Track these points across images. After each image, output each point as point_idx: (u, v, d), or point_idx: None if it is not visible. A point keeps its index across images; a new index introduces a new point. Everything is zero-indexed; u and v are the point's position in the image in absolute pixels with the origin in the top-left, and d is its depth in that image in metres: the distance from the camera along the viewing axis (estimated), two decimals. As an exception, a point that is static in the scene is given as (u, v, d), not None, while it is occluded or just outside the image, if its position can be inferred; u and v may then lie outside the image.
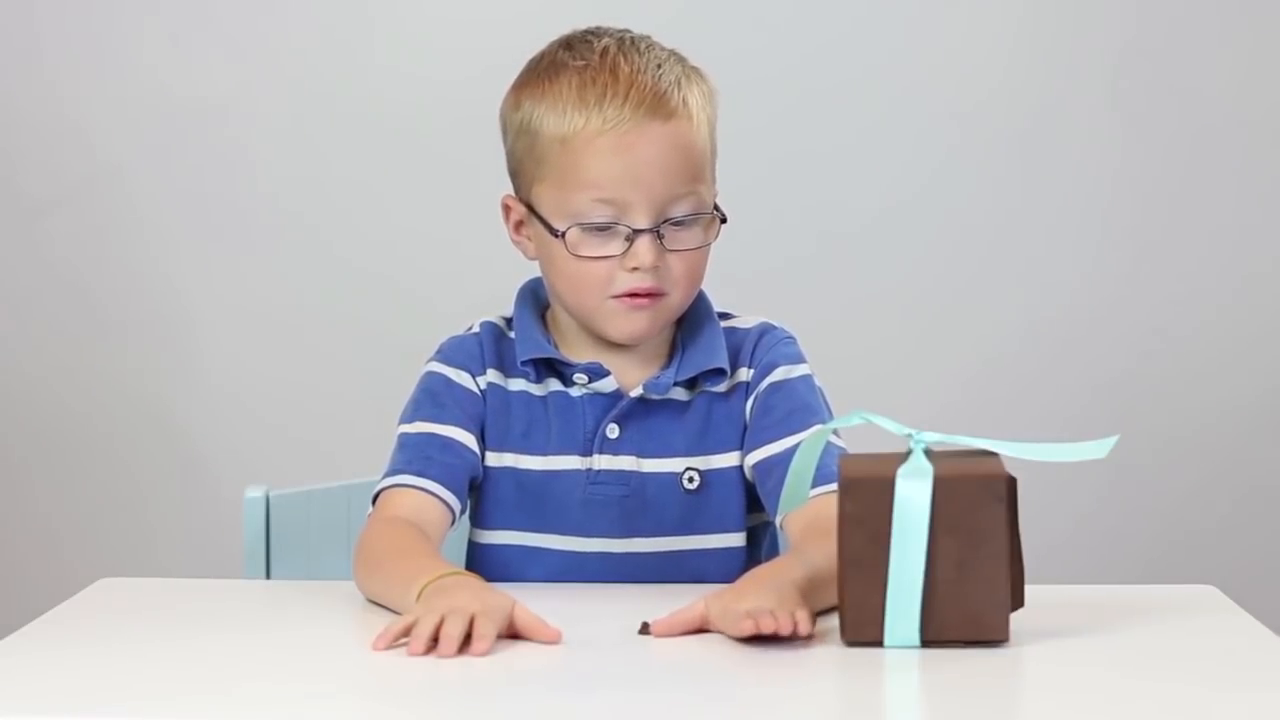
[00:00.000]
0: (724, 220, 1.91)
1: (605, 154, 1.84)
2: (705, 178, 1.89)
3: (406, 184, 3.24)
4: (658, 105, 1.86)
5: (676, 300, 1.89)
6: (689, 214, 1.87)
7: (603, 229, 1.86)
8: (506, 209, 1.94)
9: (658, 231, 1.85)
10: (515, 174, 1.93)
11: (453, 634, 1.59)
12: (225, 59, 3.24)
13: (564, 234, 1.86)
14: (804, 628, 1.61)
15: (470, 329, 1.98)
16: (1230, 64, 3.23)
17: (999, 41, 3.23)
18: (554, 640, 1.63)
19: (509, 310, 1.97)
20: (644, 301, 1.87)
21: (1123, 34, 3.22)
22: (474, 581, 1.70)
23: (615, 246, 1.86)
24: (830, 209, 3.25)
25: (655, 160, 1.85)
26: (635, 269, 1.85)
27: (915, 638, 1.60)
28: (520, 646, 1.64)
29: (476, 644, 1.59)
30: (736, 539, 1.94)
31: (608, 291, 1.87)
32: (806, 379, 1.94)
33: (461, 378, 1.94)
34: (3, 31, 3.25)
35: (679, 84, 1.88)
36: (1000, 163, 3.24)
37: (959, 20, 3.23)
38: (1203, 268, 3.25)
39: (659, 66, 1.88)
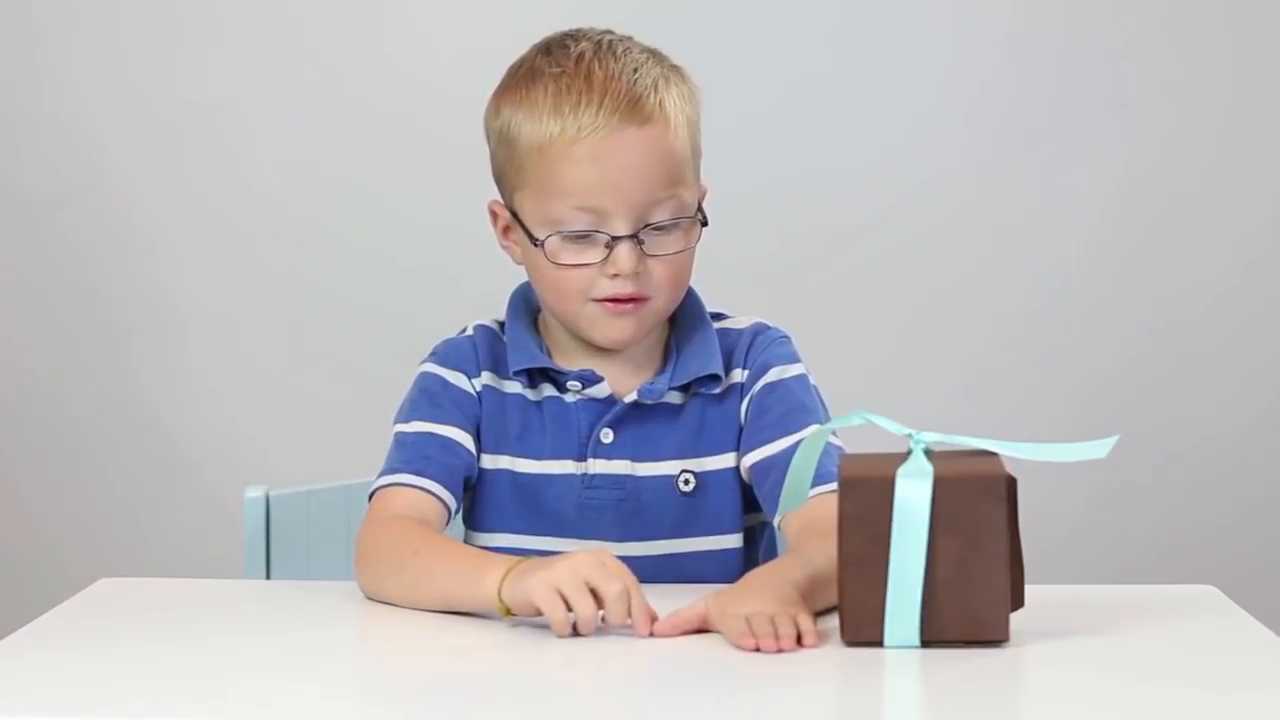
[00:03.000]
0: (705, 223, 1.89)
1: (581, 162, 1.84)
2: (685, 180, 1.88)
3: (404, 184, 3.24)
4: (633, 111, 1.84)
5: (661, 304, 1.89)
6: (669, 219, 1.86)
7: (582, 237, 1.85)
8: (493, 214, 1.94)
9: (637, 237, 1.85)
10: (499, 180, 1.93)
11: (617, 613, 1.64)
12: (222, 61, 3.24)
13: (543, 242, 1.86)
14: (809, 639, 1.61)
15: (464, 331, 1.98)
16: (1230, 64, 3.23)
17: (999, 41, 3.23)
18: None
19: (503, 313, 1.97)
20: (627, 307, 1.86)
21: (1123, 34, 3.22)
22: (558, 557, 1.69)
23: (595, 254, 1.85)
24: (830, 208, 3.25)
25: (632, 167, 1.84)
26: (616, 275, 1.85)
27: (915, 638, 1.60)
28: (520, 647, 1.64)
29: (643, 623, 1.64)
30: (733, 540, 1.93)
31: (588, 295, 1.86)
32: (801, 379, 1.94)
33: (457, 379, 1.94)
34: (1, 32, 3.25)
35: (655, 87, 1.86)
36: (1000, 162, 3.24)
37: (958, 19, 3.23)
38: (1203, 268, 3.25)
39: (635, 70, 1.86)
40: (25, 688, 1.53)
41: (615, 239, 1.84)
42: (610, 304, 1.86)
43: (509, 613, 1.69)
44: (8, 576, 3.27)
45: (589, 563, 1.65)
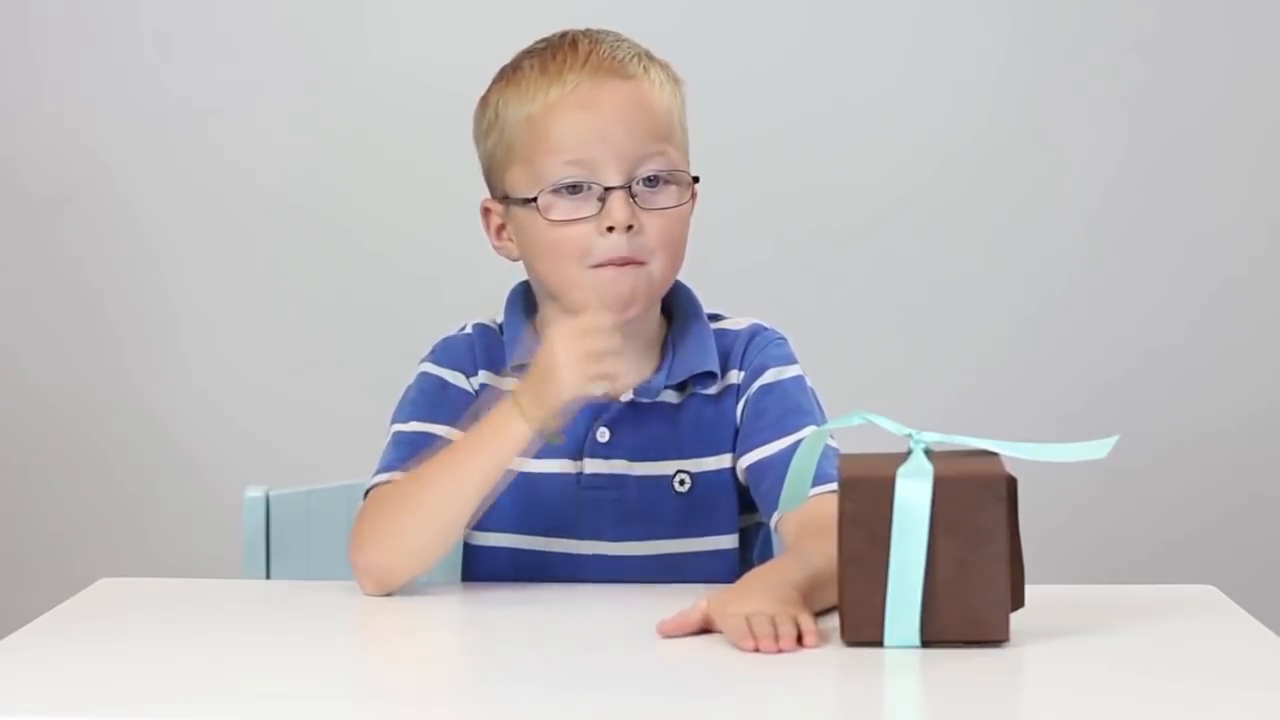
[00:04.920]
0: (696, 179, 1.90)
1: (569, 113, 1.86)
2: (674, 141, 1.89)
3: (403, 184, 3.24)
4: (617, 68, 1.88)
5: (658, 270, 1.88)
6: (660, 171, 1.87)
7: (574, 189, 1.86)
8: (486, 213, 1.95)
9: (630, 190, 1.86)
10: (489, 173, 1.94)
11: None
12: (221, 61, 3.24)
13: (536, 200, 1.86)
14: (810, 639, 1.61)
15: (462, 329, 1.98)
16: (1230, 64, 3.23)
17: (1000, 42, 3.23)
18: None
19: (501, 313, 1.98)
20: (625, 269, 1.86)
21: (1124, 34, 3.22)
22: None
23: (589, 208, 1.86)
24: (830, 208, 3.25)
25: (619, 115, 1.86)
26: (611, 228, 1.85)
27: (915, 638, 1.60)
28: (520, 646, 1.64)
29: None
30: (729, 541, 1.93)
31: (586, 261, 1.86)
32: (798, 380, 1.94)
33: (456, 378, 1.94)
34: (1, 32, 3.25)
35: (639, 58, 1.90)
36: (1000, 162, 3.24)
37: (958, 19, 3.23)
38: (1203, 268, 3.25)
39: (618, 42, 1.91)
40: (25, 687, 1.53)
41: (608, 190, 1.85)
42: (608, 268, 1.86)
43: (555, 435, 1.77)
44: (8, 576, 3.27)
45: (577, 342, 1.76)
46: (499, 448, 1.78)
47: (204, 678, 1.56)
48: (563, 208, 1.86)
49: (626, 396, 1.91)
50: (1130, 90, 3.23)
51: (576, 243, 1.86)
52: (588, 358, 1.75)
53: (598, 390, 1.75)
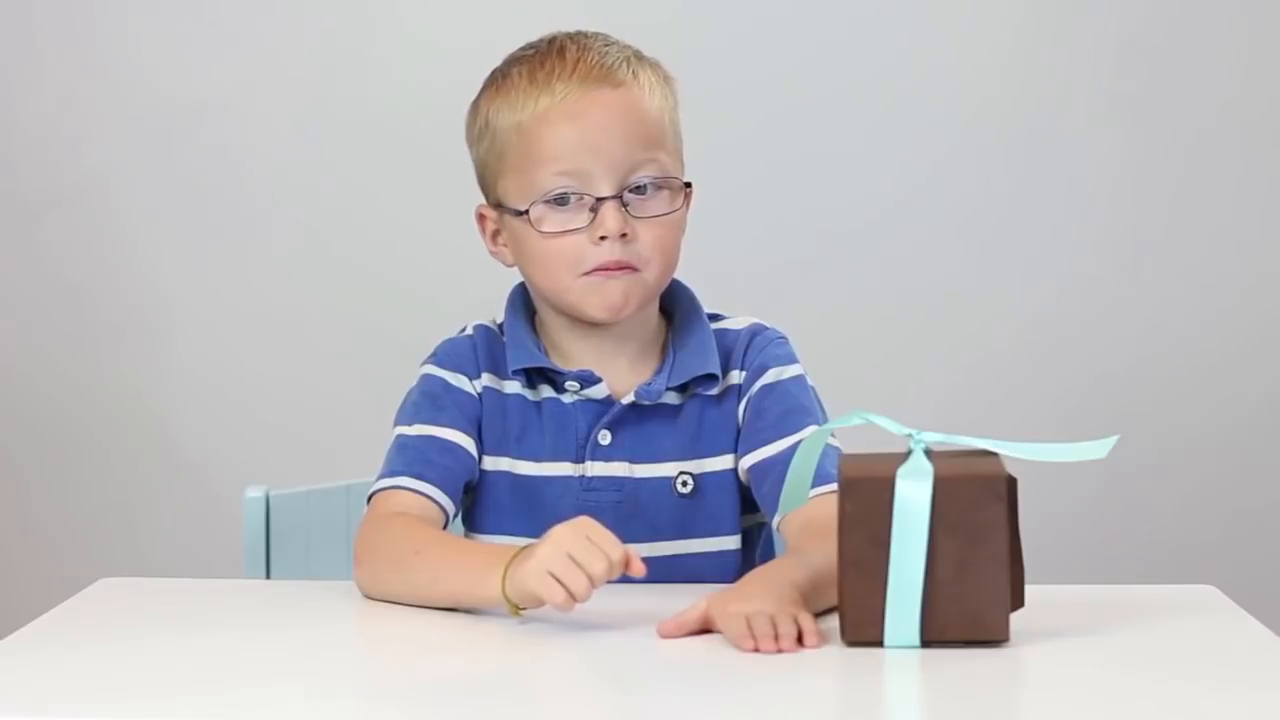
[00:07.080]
0: (688, 185, 1.90)
1: (559, 124, 1.85)
2: (666, 147, 1.88)
3: (403, 184, 3.24)
4: (606, 75, 1.87)
5: (651, 277, 1.88)
6: (652, 179, 1.87)
7: (565, 201, 1.86)
8: (481, 219, 1.95)
9: (622, 199, 1.85)
10: (483, 179, 1.94)
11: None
12: (220, 61, 3.24)
13: (528, 211, 1.86)
14: (810, 640, 1.61)
15: (464, 331, 1.98)
16: (1230, 64, 3.23)
17: (999, 41, 3.23)
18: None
19: (502, 313, 1.97)
20: (617, 274, 1.86)
21: (1123, 34, 3.22)
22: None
23: (581, 219, 1.85)
24: (831, 208, 3.25)
25: (609, 125, 1.85)
26: (603, 238, 1.85)
27: (915, 638, 1.60)
28: (520, 646, 1.64)
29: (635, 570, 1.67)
30: (731, 542, 1.93)
31: (579, 269, 1.86)
32: (799, 379, 1.93)
33: (459, 380, 1.94)
34: None
35: (628, 62, 1.89)
36: (1000, 162, 3.24)
37: (958, 20, 3.23)
38: (1203, 267, 3.25)
39: (607, 46, 1.90)
40: (25, 688, 1.53)
41: (599, 201, 1.85)
42: (600, 273, 1.86)
43: (518, 609, 1.69)
44: (8, 576, 3.27)
45: (573, 539, 1.66)
46: (471, 591, 1.73)
47: (204, 678, 1.56)
48: (554, 219, 1.86)
49: (628, 398, 1.91)
50: (1130, 90, 3.23)
51: (569, 253, 1.86)
52: (566, 562, 1.65)
53: (551, 596, 1.64)
